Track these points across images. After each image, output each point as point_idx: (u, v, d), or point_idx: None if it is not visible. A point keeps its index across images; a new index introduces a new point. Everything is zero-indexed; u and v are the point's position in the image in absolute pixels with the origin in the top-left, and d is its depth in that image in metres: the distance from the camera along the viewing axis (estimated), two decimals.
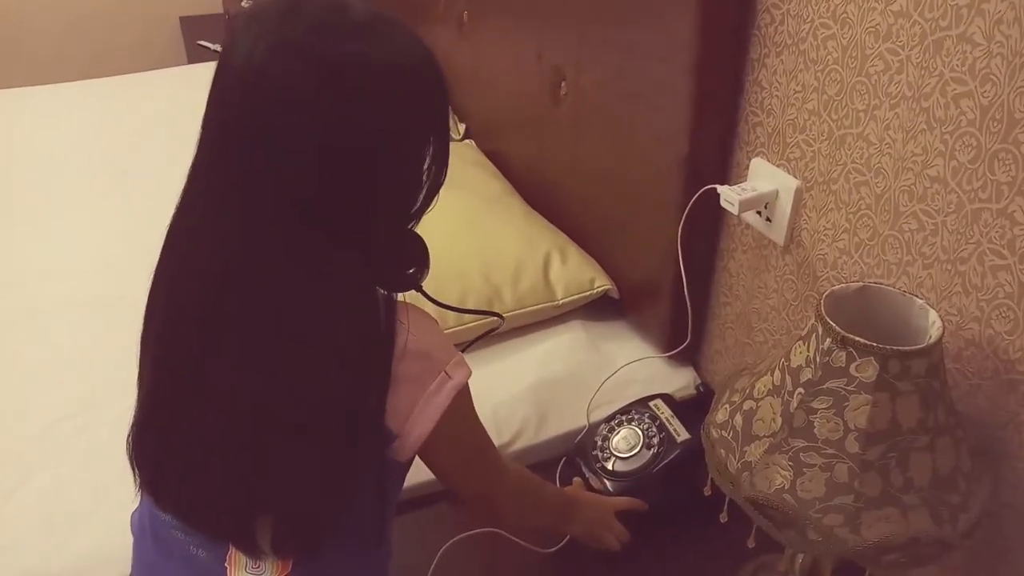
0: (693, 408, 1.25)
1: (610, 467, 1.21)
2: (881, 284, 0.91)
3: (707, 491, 1.00)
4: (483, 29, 1.86)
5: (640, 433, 1.22)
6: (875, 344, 0.81)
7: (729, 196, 1.18)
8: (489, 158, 1.91)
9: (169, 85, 2.46)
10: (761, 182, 1.19)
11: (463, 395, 0.84)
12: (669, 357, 1.43)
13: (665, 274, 1.36)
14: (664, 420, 1.23)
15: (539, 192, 1.73)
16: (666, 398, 1.27)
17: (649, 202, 1.37)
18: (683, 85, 1.21)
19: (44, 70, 2.89)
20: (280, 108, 0.65)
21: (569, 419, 1.33)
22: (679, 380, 1.41)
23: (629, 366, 1.41)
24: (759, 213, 1.22)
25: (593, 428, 1.28)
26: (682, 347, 1.38)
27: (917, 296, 0.89)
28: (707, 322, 1.41)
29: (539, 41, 1.60)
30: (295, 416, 0.71)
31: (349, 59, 0.65)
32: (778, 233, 1.19)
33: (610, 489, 1.20)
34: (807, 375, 0.86)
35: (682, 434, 1.20)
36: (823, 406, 0.85)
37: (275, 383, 0.71)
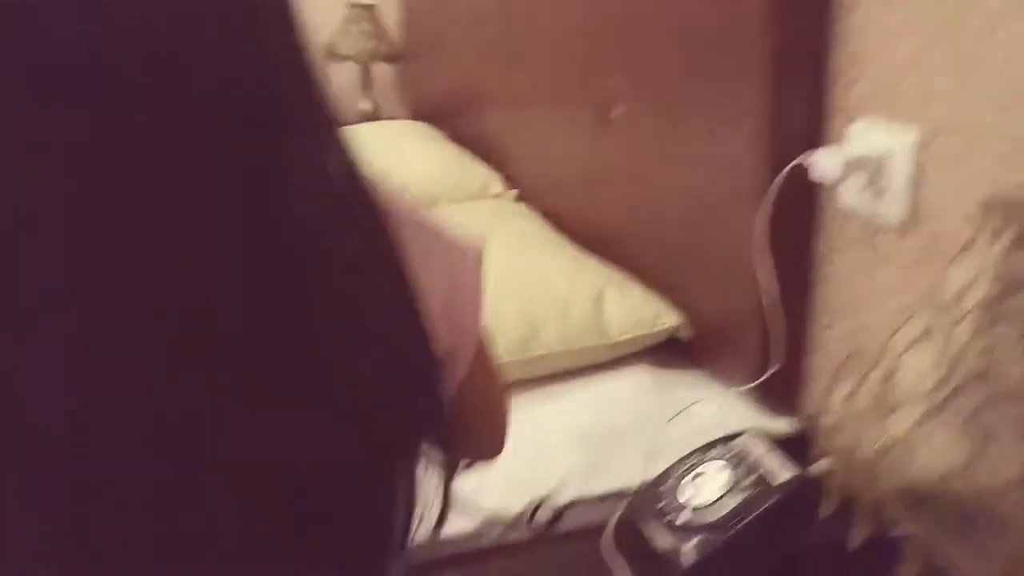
0: (796, 445, 0.93)
1: (680, 522, 0.89)
2: None
3: (824, 512, 0.68)
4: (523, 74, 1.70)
5: (726, 476, 0.91)
6: None
7: (825, 160, 0.92)
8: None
9: None
10: (867, 143, 0.94)
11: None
12: (760, 399, 1.11)
13: (745, 296, 1.08)
14: (755, 457, 0.91)
15: (593, 238, 1.49)
16: (758, 434, 0.96)
17: (723, 208, 1.12)
18: (755, 41, 0.99)
19: None
20: None
21: (627, 473, 1.02)
22: (772, 425, 1.09)
23: (703, 407, 1.10)
24: (865, 190, 0.95)
25: (658, 480, 0.96)
26: (768, 374, 1.06)
27: None
28: (804, 354, 1.11)
29: (584, 66, 1.42)
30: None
31: None
32: (894, 206, 0.92)
33: (683, 553, 0.87)
34: (979, 294, 0.57)
35: (781, 474, 0.88)
36: (1008, 333, 0.55)
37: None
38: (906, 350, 0.61)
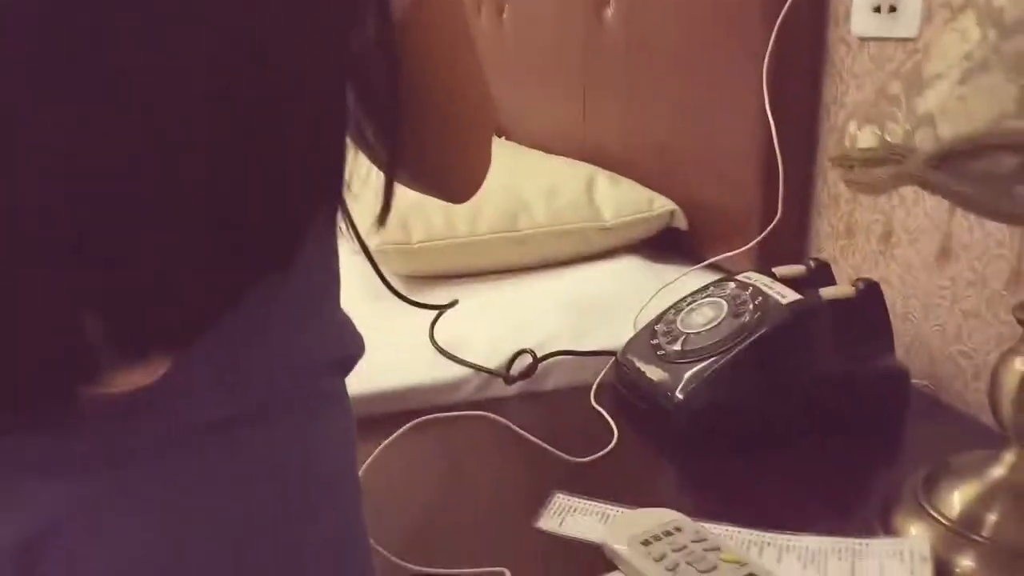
0: (806, 282, 0.83)
1: (678, 347, 0.78)
2: None
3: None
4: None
5: (724, 303, 0.80)
6: None
7: None
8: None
9: None
10: None
11: None
12: (760, 257, 1.01)
13: (746, 172, 0.99)
14: (759, 286, 0.80)
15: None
16: (763, 272, 0.85)
17: (727, 67, 1.04)
18: None
19: None
20: None
21: (616, 335, 0.91)
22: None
23: (700, 276, 1.00)
24: (877, 10, 0.87)
25: (651, 322, 0.86)
26: (770, 228, 0.96)
27: None
28: (809, 208, 1.01)
29: None
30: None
31: None
32: (910, 21, 0.84)
33: (670, 379, 0.76)
34: None
35: (789, 296, 0.78)
36: None
37: None
38: (939, 37, 0.52)
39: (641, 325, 0.88)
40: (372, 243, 0.99)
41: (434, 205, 1.06)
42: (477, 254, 1.06)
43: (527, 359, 0.86)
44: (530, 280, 1.06)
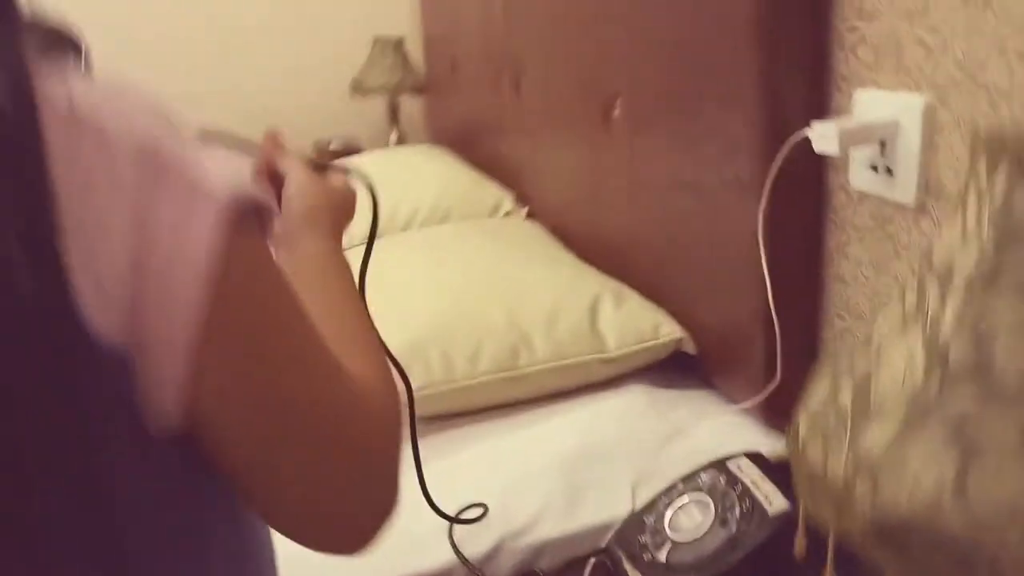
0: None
1: (663, 558, 0.76)
2: None
3: (798, 551, 0.55)
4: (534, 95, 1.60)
5: (711, 504, 0.77)
6: None
7: (823, 133, 0.79)
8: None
9: None
10: (873, 113, 0.80)
11: (251, 246, 0.40)
12: (765, 417, 0.97)
13: (750, 303, 0.95)
14: (748, 484, 0.77)
15: (598, 253, 1.37)
16: (755, 457, 0.82)
17: (725, 203, 0.99)
18: (743, 9, 0.87)
19: None
20: None
21: (613, 503, 0.89)
22: (772, 443, 0.95)
23: (703, 427, 0.97)
24: (875, 169, 0.82)
25: (640, 512, 0.83)
26: (767, 392, 0.92)
27: None
28: (815, 363, 0.96)
29: (587, 72, 1.31)
30: None
31: None
32: (906, 187, 0.78)
33: None
34: (969, 262, 0.44)
35: (777, 502, 0.74)
36: (1012, 310, 0.42)
37: None
38: (887, 344, 0.48)
39: (638, 499, 0.85)
40: None
41: (432, 352, 1.05)
42: (477, 397, 1.05)
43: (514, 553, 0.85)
44: (528, 421, 1.04)
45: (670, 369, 1.11)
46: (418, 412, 1.04)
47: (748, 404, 0.96)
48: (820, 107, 0.88)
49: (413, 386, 1.02)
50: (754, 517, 0.73)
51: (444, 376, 1.03)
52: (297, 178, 0.67)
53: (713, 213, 1.01)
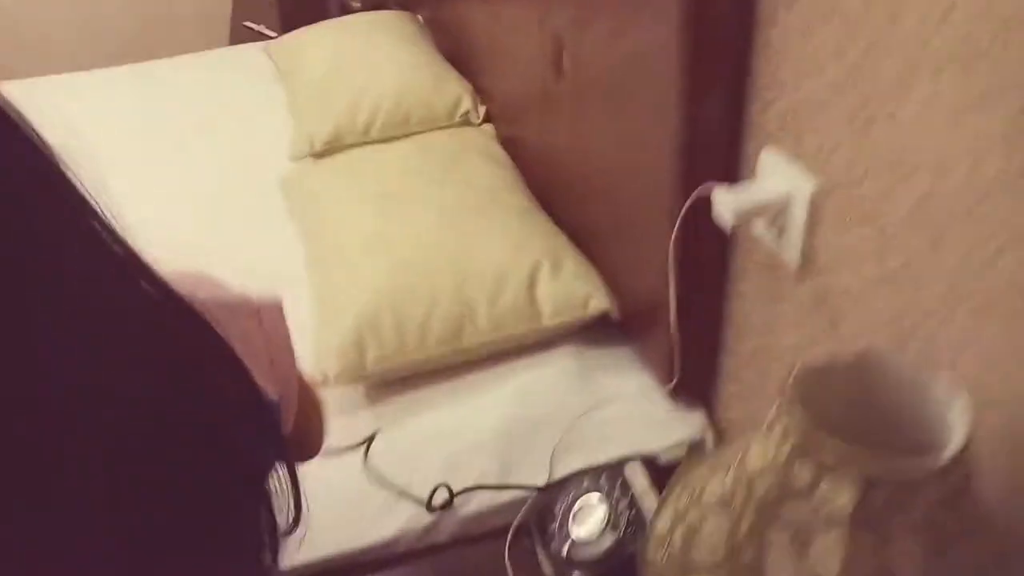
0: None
1: (565, 552, 0.94)
2: (884, 352, 0.60)
3: None
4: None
5: (607, 508, 0.94)
6: (852, 452, 0.51)
7: (723, 203, 0.88)
8: (505, 146, 1.64)
9: (215, 68, 2.26)
10: (772, 181, 0.88)
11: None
12: (677, 397, 1.13)
13: (663, 294, 1.06)
14: (637, 494, 0.94)
15: (546, 184, 1.45)
16: (647, 462, 0.98)
17: (646, 201, 1.08)
18: (673, 44, 0.91)
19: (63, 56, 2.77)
20: None
21: (539, 471, 1.07)
22: (683, 428, 1.11)
23: (620, 404, 1.13)
24: (769, 226, 0.91)
25: (554, 488, 1.01)
26: (672, 384, 1.08)
27: (940, 373, 0.58)
28: (720, 356, 1.10)
29: (540, 8, 1.32)
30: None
31: None
32: (791, 251, 0.88)
33: None
34: (763, 488, 0.57)
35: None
36: (781, 539, 0.56)
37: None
38: (710, 510, 0.62)
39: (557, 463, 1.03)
40: (330, 363, 1.14)
41: (385, 321, 1.17)
42: (424, 365, 1.19)
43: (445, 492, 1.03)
44: (466, 387, 1.20)
45: (599, 327, 1.25)
46: (372, 381, 1.20)
47: (658, 392, 1.11)
48: (734, 157, 0.94)
49: (368, 361, 1.17)
50: (637, 527, 0.91)
51: (396, 347, 1.17)
52: None
53: (640, 193, 1.10)
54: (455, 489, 1.04)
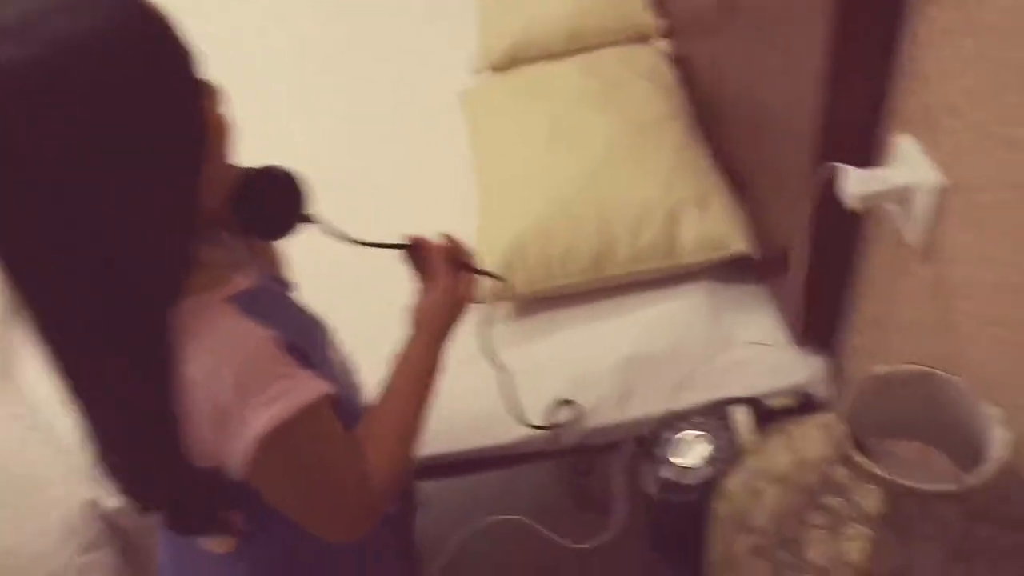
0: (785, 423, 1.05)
1: (666, 476, 1.07)
2: (943, 374, 0.67)
3: None
4: None
5: (710, 444, 1.06)
6: (878, 473, 0.60)
7: (850, 183, 0.92)
8: (679, 64, 1.66)
9: None
10: (904, 170, 0.91)
11: (282, 435, 0.70)
12: (802, 343, 1.20)
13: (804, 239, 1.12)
14: (740, 436, 1.05)
15: (711, 111, 1.49)
16: (755, 404, 1.08)
17: (787, 164, 1.12)
18: (819, 21, 0.93)
19: None
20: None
21: (658, 401, 1.19)
22: (802, 372, 1.19)
23: (745, 345, 1.21)
24: (901, 203, 0.94)
25: (669, 419, 1.13)
26: (799, 328, 1.15)
27: (991, 406, 0.64)
28: (846, 313, 1.16)
29: None
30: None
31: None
32: (915, 234, 0.92)
33: (661, 501, 1.06)
34: (813, 476, 0.67)
35: None
36: (819, 521, 0.66)
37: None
38: (772, 480, 0.73)
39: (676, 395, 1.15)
40: (483, 283, 1.29)
41: (532, 251, 1.30)
42: (563, 292, 1.32)
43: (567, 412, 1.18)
44: (600, 313, 1.31)
45: (734, 266, 1.32)
46: (517, 303, 1.33)
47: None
48: (870, 138, 0.97)
49: (517, 280, 1.29)
50: (732, 466, 1.02)
51: (541, 275, 1.30)
52: (433, 289, 0.88)
53: (783, 170, 1.14)
54: (579, 404, 1.18)
